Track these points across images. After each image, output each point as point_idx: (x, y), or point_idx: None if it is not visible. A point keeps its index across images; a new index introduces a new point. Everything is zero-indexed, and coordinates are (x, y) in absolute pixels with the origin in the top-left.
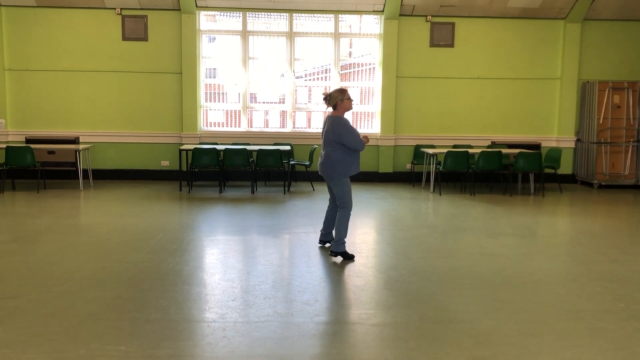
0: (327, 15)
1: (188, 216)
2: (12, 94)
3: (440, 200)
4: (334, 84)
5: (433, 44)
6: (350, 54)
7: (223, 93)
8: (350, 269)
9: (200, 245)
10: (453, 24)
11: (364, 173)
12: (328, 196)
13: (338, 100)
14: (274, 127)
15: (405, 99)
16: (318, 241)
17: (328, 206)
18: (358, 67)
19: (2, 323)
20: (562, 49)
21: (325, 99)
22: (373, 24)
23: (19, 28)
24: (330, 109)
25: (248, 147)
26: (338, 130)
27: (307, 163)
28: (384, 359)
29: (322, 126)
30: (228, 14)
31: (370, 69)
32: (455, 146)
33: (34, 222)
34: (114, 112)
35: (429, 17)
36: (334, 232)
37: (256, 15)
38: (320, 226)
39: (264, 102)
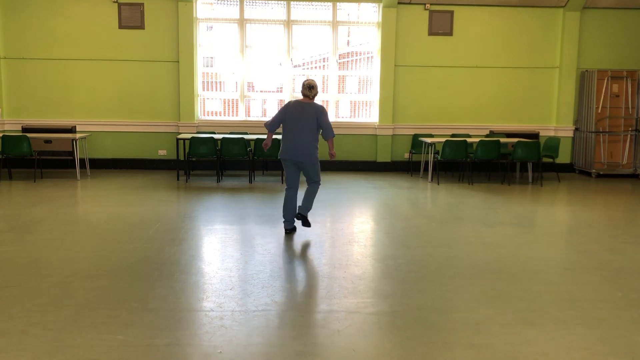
0: (325, 3)
1: (185, 205)
2: (8, 83)
3: (438, 189)
4: (332, 73)
5: (432, 32)
6: (348, 42)
7: (220, 82)
8: (348, 258)
9: (198, 235)
10: (452, 12)
11: (362, 162)
12: (327, 185)
13: (316, 92)
14: (272, 116)
15: (404, 88)
16: (290, 229)
17: (290, 194)
18: (356, 55)
19: (0, 312)
20: (561, 38)
21: (311, 88)
22: (371, 12)
23: (14, 16)
24: (300, 97)
25: (246, 137)
26: (322, 117)
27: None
28: (382, 347)
29: (289, 111)
30: (225, 1)
31: (368, 57)
32: (453, 135)
33: (31, 212)
34: (111, 101)
35: (428, 5)
36: (301, 204)
37: (253, 3)
38: (319, 216)
39: (261, 91)
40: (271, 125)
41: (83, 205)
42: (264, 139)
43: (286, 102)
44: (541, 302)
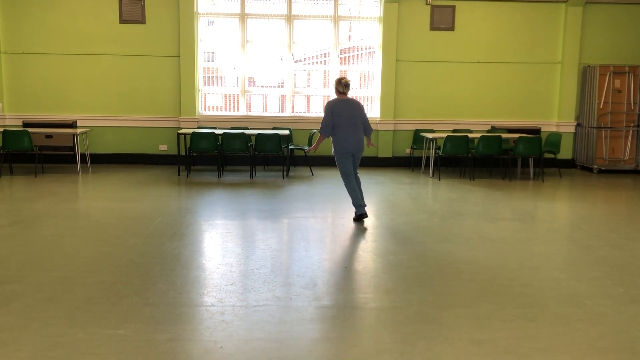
0: None
1: (186, 200)
2: (9, 78)
3: (439, 185)
4: (333, 68)
5: (433, 27)
6: (349, 37)
7: (221, 77)
8: (349, 253)
9: (199, 230)
10: (453, 7)
11: (363, 158)
12: (328, 180)
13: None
14: (273, 111)
15: (405, 83)
16: (364, 213)
17: (354, 182)
18: (357, 50)
19: (1, 307)
20: (563, 33)
21: (347, 86)
22: (373, 6)
23: (15, 11)
24: (334, 94)
25: (247, 132)
26: (364, 112)
27: (306, 148)
28: (383, 343)
29: (337, 110)
30: None
31: (369, 52)
32: (454, 131)
33: (32, 207)
34: (112, 96)
35: (429, 0)
36: (359, 200)
37: None
38: (320, 211)
39: (262, 86)
40: (326, 131)
41: (84, 200)
42: (265, 134)
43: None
44: (542, 298)
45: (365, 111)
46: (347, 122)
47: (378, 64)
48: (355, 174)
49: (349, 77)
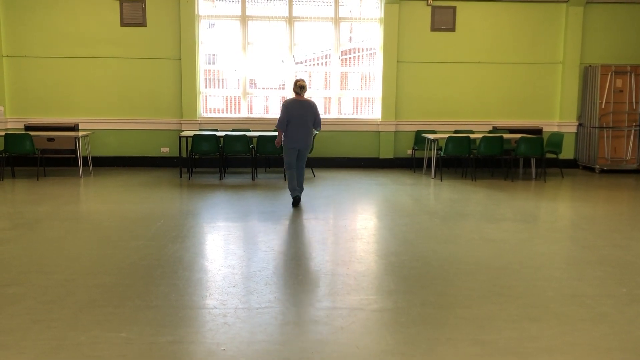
0: None
1: (188, 203)
2: (11, 81)
3: (441, 185)
4: (334, 70)
5: (434, 28)
6: (350, 38)
7: (222, 79)
8: (351, 255)
9: (201, 232)
10: (454, 8)
11: (364, 159)
12: (329, 182)
13: (306, 89)
14: (274, 113)
15: (406, 84)
16: (297, 197)
17: (293, 172)
18: (358, 52)
19: (3, 310)
20: (565, 33)
21: (302, 88)
22: (373, 8)
23: (16, 14)
24: (293, 95)
25: (248, 134)
26: (317, 112)
27: None
28: (385, 344)
29: (291, 109)
30: None
31: (370, 54)
32: (456, 131)
33: (34, 210)
34: (113, 99)
35: (430, 1)
36: (298, 187)
37: (255, 0)
38: (322, 213)
39: (263, 88)
40: (282, 125)
41: (86, 203)
42: (266, 136)
43: (285, 100)
44: (545, 298)
45: (319, 110)
46: (297, 121)
47: (379, 65)
48: (301, 166)
49: (305, 80)
